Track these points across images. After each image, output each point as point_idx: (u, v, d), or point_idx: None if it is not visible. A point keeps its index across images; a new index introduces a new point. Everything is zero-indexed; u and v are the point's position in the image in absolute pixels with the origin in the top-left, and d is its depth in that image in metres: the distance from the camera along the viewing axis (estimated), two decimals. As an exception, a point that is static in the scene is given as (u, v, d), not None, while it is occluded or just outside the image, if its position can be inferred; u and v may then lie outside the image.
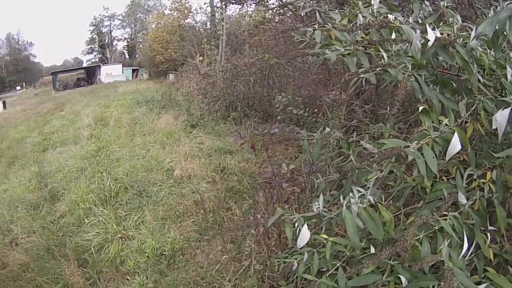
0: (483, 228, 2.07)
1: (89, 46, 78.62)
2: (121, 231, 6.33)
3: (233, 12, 25.91)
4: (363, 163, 2.38)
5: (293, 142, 8.76)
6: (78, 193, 7.86)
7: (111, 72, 53.70)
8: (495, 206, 2.11)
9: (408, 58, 2.15)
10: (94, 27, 77.27)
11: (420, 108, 2.08)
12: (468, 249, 1.90)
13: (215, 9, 26.69)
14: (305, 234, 2.13)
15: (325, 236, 2.28)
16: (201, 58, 24.05)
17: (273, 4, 11.17)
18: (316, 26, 2.64)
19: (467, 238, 1.91)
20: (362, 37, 2.62)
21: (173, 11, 37.09)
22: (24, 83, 67.48)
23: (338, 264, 2.18)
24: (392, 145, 1.93)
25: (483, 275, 2.05)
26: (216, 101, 14.87)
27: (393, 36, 2.34)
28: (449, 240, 1.91)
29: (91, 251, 5.88)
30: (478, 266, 2.09)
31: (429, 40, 2.02)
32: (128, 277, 5.23)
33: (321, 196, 2.28)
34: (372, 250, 2.10)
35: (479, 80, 2.15)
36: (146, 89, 29.66)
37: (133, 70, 57.11)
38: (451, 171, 2.32)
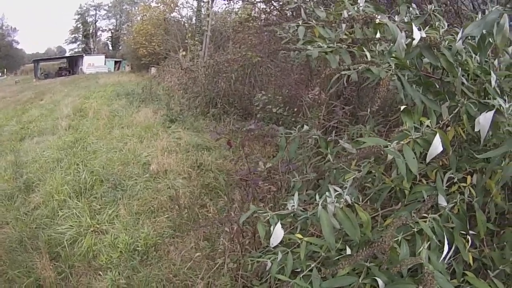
0: (463, 232, 2.05)
1: (73, 35, 77.50)
2: (94, 224, 6.18)
3: (219, 9, 25.79)
4: (341, 162, 2.33)
5: (271, 141, 8.80)
6: (53, 184, 7.66)
7: (93, 63, 53.25)
8: (475, 211, 2.11)
9: (392, 58, 2.12)
10: (79, 16, 76.27)
11: (402, 108, 2.04)
12: (447, 252, 1.88)
13: (202, 4, 26.63)
14: (278, 233, 2.08)
15: (299, 236, 2.24)
16: (184, 53, 23.85)
17: (259, 1, 11.23)
18: (300, 22, 2.60)
19: (447, 241, 1.89)
20: (346, 35, 2.60)
21: (159, 4, 36.85)
22: (5, 70, 66.29)
23: (312, 265, 2.13)
24: (371, 144, 1.88)
25: (461, 279, 2.03)
26: (197, 97, 14.85)
27: (378, 35, 2.32)
28: (428, 243, 1.88)
29: (64, 245, 5.70)
30: (457, 270, 2.08)
31: (414, 39, 1.99)
32: (100, 273, 5.08)
33: (296, 195, 2.23)
34: (348, 251, 2.04)
35: (463, 83, 2.14)
36: (128, 81, 29.50)
37: (116, 62, 56.82)
38: (430, 175, 2.30)
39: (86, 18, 76.47)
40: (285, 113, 8.27)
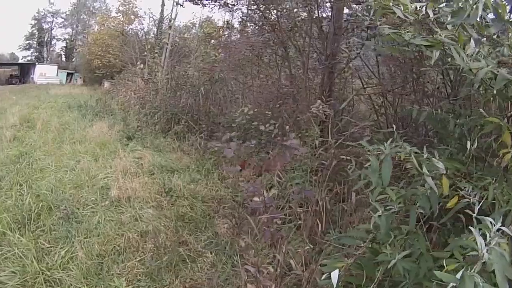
0: None
1: (28, 42, 75.28)
2: (44, 271, 4.64)
3: (180, 23, 25.73)
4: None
5: (249, 163, 7.90)
6: (-10, 211, 6.14)
7: (45, 73, 51.98)
8: None
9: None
10: (36, 22, 74.17)
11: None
12: None
13: (164, 16, 26.45)
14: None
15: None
16: (142, 66, 22.88)
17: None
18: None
19: None
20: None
21: (119, 14, 36.06)
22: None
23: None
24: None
25: None
26: (155, 113, 13.87)
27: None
28: None
29: (6, 304, 4.23)
30: None
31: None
32: None
33: (476, 232, 1.85)
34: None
35: None
36: (79, 94, 28.26)
37: (68, 74, 56.01)
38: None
39: (43, 24, 74.65)
40: (274, 130, 7.21)
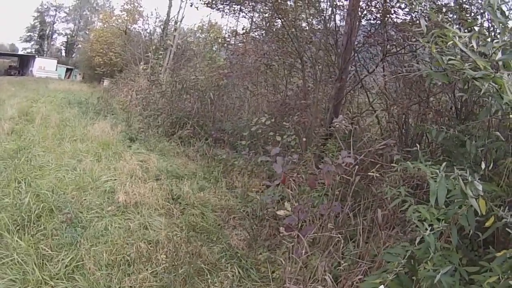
0: None
1: (29, 34, 75.22)
2: (47, 280, 4.19)
3: (185, 26, 25.61)
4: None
5: (257, 172, 7.57)
6: (-14, 209, 5.61)
7: (44, 67, 51.92)
8: None
9: None
10: (38, 14, 74.02)
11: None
12: None
13: (170, 18, 26.24)
14: None
15: None
16: (145, 66, 22.52)
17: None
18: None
19: None
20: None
21: (123, 13, 35.79)
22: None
23: None
24: None
25: None
26: (159, 115, 13.47)
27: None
28: None
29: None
30: None
31: None
32: None
33: None
34: None
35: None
36: (79, 90, 28.09)
37: (67, 69, 56.06)
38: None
39: (45, 17, 74.68)
40: (291, 142, 6.91)
